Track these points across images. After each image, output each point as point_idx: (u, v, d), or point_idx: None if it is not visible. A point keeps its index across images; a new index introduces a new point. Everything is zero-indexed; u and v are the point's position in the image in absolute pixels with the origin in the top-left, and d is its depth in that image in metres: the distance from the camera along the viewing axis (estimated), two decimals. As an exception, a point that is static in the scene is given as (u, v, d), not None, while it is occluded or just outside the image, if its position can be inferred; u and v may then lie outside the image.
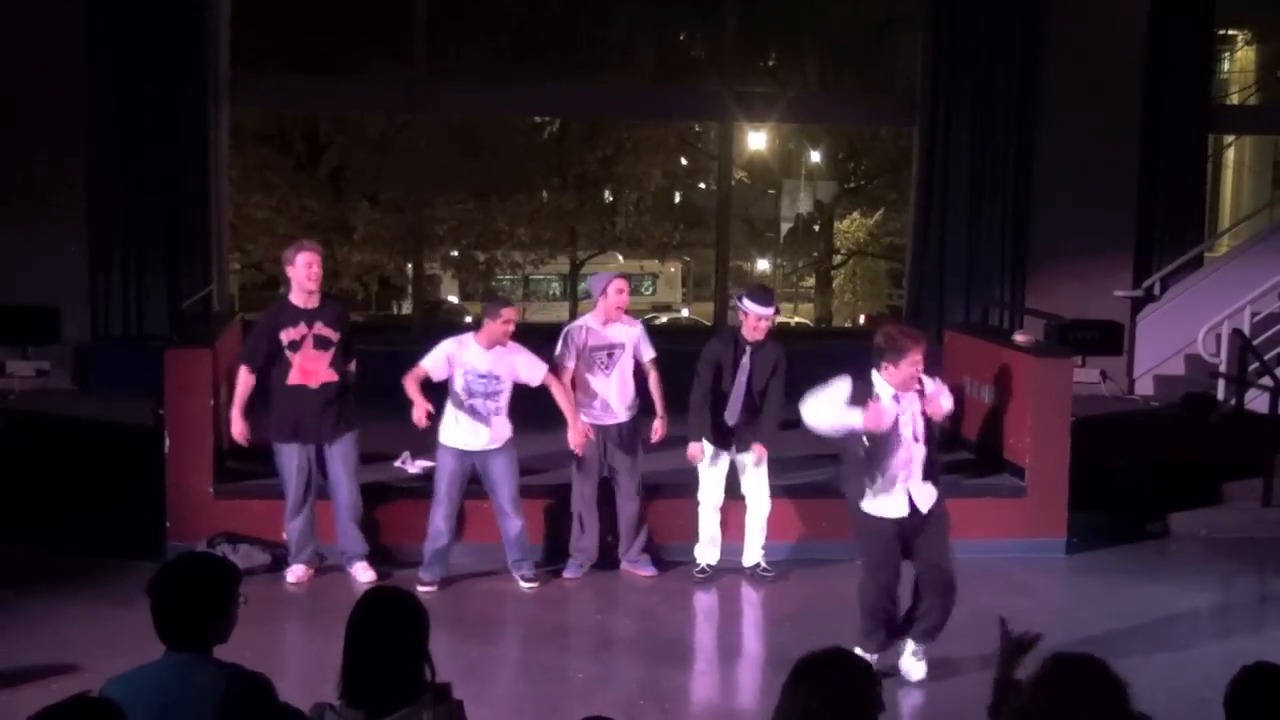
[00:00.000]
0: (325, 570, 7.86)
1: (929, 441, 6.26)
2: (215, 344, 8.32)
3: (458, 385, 7.53)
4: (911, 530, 6.25)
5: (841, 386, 6.23)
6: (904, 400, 6.20)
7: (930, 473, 6.27)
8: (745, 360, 7.76)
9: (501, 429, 7.62)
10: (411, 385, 7.46)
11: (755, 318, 7.69)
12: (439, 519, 7.64)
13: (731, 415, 7.79)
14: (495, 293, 27.26)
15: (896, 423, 6.16)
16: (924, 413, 6.21)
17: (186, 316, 11.37)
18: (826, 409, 6.22)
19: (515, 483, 7.69)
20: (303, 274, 7.51)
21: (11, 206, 11.47)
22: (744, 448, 7.89)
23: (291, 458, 7.58)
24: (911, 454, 6.20)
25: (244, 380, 7.52)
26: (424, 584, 7.51)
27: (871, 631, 6.31)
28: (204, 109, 11.86)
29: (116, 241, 11.79)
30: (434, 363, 7.52)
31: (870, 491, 6.22)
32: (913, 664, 6.43)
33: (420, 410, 7.41)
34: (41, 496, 8.46)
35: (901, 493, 6.21)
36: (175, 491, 7.91)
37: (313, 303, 7.56)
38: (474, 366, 7.50)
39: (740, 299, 7.89)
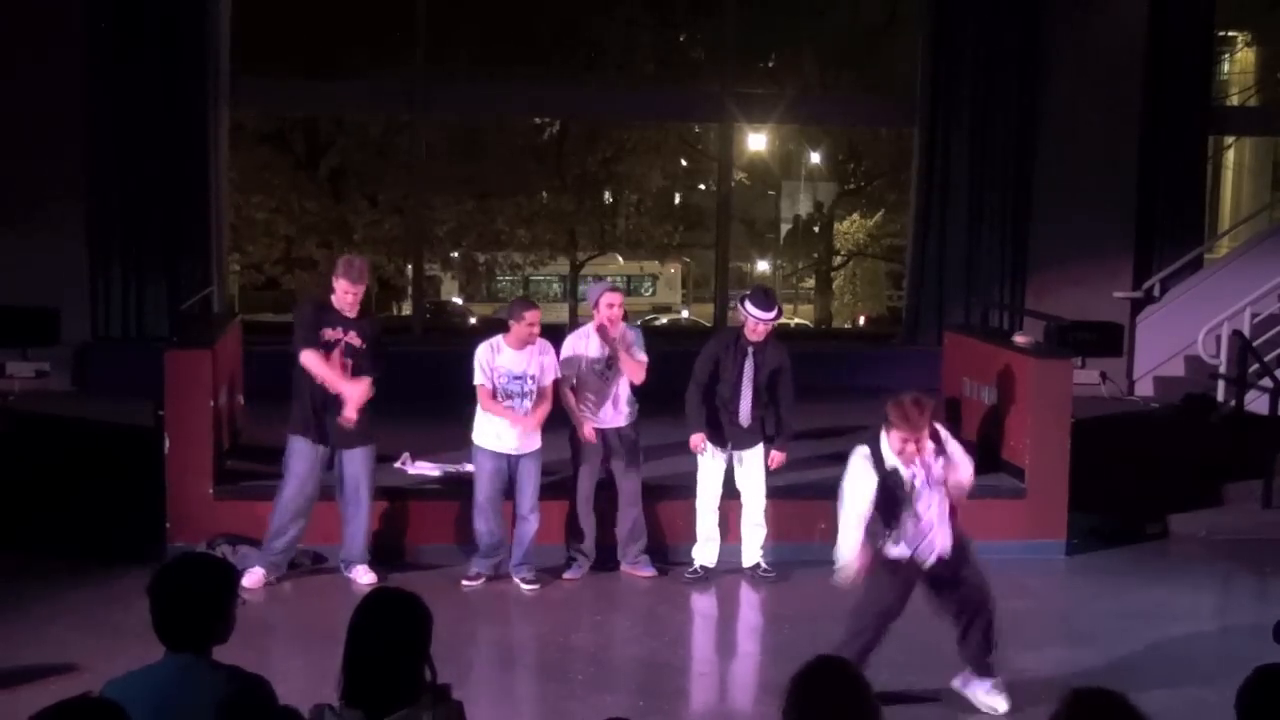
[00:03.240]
0: (324, 572, 7.86)
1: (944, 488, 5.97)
2: (215, 345, 8.32)
3: (495, 389, 7.59)
4: (938, 571, 5.99)
5: (860, 465, 5.92)
6: (914, 467, 5.87)
7: (944, 527, 5.99)
8: (748, 362, 7.77)
9: (535, 433, 7.70)
10: (493, 406, 7.57)
11: (754, 321, 7.72)
12: (481, 523, 7.69)
13: (745, 416, 7.80)
14: (497, 294, 27.31)
15: (912, 484, 5.87)
16: (945, 483, 5.93)
17: (186, 317, 11.36)
18: (846, 536, 5.93)
19: (538, 487, 7.75)
20: (337, 296, 7.52)
21: (11, 206, 11.46)
22: (742, 446, 7.89)
23: (304, 455, 7.53)
24: (930, 503, 5.90)
25: (314, 360, 7.41)
26: (469, 578, 7.63)
27: (850, 642, 5.92)
28: (204, 109, 11.85)
29: (116, 242, 11.78)
30: (482, 375, 7.60)
31: (894, 540, 5.94)
32: (995, 698, 6.06)
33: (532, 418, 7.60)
34: (41, 497, 8.45)
35: (916, 545, 5.93)
36: (175, 492, 7.90)
37: (352, 312, 7.57)
38: (509, 369, 7.59)
39: (742, 301, 7.91)
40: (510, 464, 7.71)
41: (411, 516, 8.09)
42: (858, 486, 5.92)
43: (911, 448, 5.81)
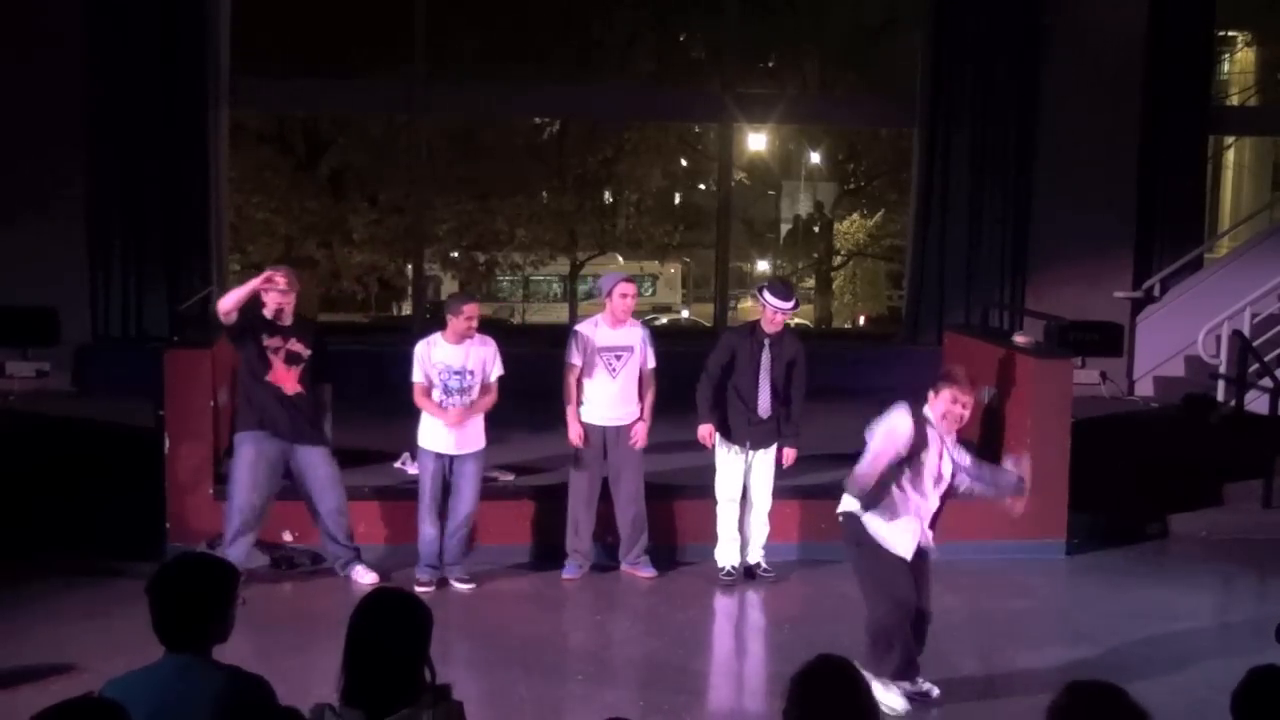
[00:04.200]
0: (324, 572, 7.86)
1: (947, 495, 6.08)
2: (214, 345, 8.32)
3: (434, 385, 7.57)
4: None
5: (904, 421, 5.93)
6: (946, 442, 5.98)
7: (934, 522, 6.07)
8: (765, 354, 7.77)
9: (476, 433, 7.67)
10: (427, 404, 7.57)
11: (772, 311, 7.73)
12: (427, 524, 7.67)
13: (764, 408, 7.80)
14: (497, 294, 27.31)
15: (933, 463, 5.95)
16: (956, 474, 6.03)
17: (186, 317, 11.37)
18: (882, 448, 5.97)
19: (478, 489, 7.72)
20: (272, 300, 7.56)
21: (11, 207, 11.46)
22: (759, 444, 7.88)
23: (249, 462, 7.46)
24: (929, 497, 5.99)
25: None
26: (420, 584, 7.53)
27: (886, 656, 5.96)
28: (204, 110, 11.85)
29: (116, 242, 11.79)
30: (417, 373, 7.61)
31: (883, 518, 5.97)
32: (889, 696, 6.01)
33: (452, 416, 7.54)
34: (41, 497, 8.45)
35: (912, 531, 5.97)
36: (175, 492, 7.91)
37: (284, 321, 7.57)
38: (448, 364, 7.56)
39: (761, 291, 7.93)
40: (448, 464, 7.66)
41: (409, 517, 8.08)
42: (897, 428, 5.90)
43: (958, 409, 5.89)
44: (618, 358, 7.85)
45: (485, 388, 7.66)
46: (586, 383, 7.85)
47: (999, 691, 6.48)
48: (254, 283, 7.53)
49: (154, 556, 6.89)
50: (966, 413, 5.97)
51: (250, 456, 7.49)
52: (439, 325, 7.80)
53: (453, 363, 7.57)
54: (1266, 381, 10.29)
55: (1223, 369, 11.34)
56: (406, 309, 24.47)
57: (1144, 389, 12.74)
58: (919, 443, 5.93)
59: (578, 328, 7.98)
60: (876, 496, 5.97)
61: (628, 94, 18.02)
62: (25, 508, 8.30)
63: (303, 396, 7.58)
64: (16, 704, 5.39)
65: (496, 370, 7.70)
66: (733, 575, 7.94)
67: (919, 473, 5.96)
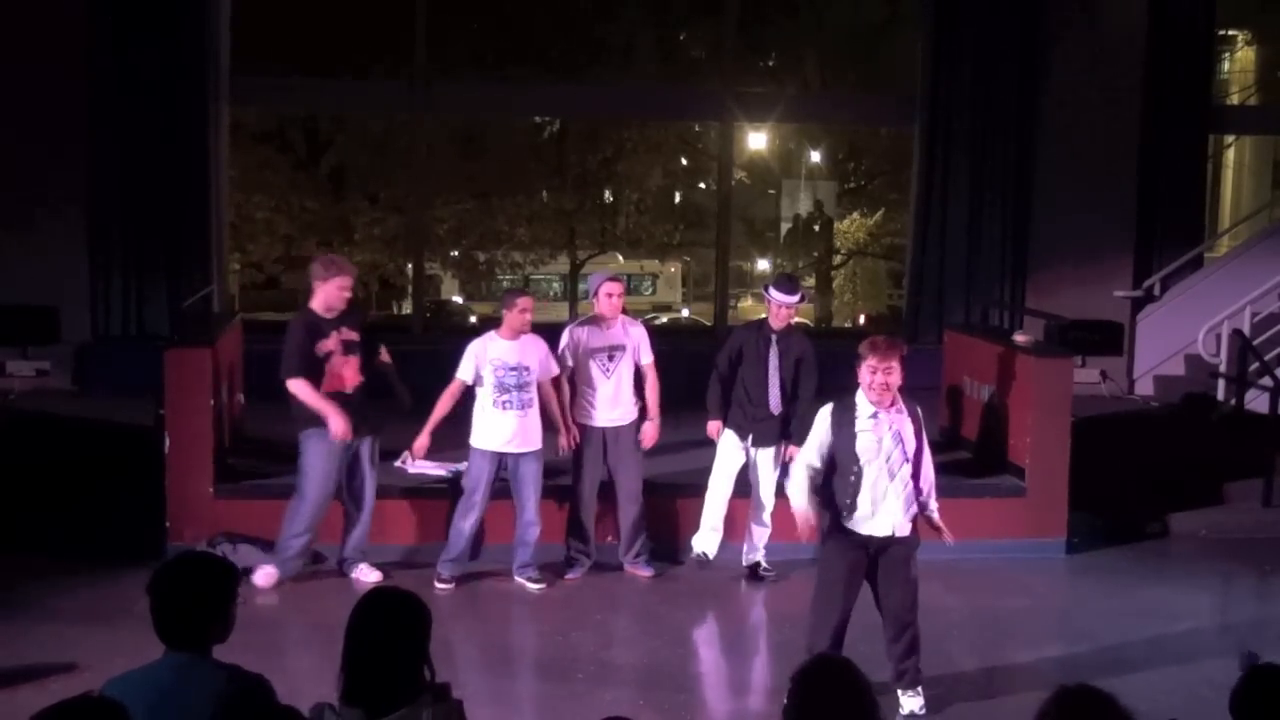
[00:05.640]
0: (324, 572, 7.85)
1: (914, 463, 5.95)
2: (215, 344, 8.32)
3: (489, 383, 7.56)
4: (876, 553, 5.96)
5: (822, 420, 6.01)
6: (884, 418, 5.90)
7: (908, 498, 5.95)
8: (773, 350, 7.79)
9: (535, 429, 7.66)
10: (443, 402, 7.57)
11: (777, 305, 7.75)
12: (464, 524, 7.65)
13: (774, 405, 7.81)
14: (498, 293, 27.29)
15: (876, 445, 5.90)
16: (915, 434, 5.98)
17: (186, 316, 11.37)
18: (796, 492, 6.09)
19: (540, 487, 7.72)
20: (335, 296, 7.48)
21: (11, 206, 11.47)
22: (762, 441, 7.89)
23: (325, 454, 7.41)
24: (888, 476, 5.89)
25: (305, 389, 7.32)
26: (442, 581, 7.58)
27: (817, 640, 6.02)
28: (204, 109, 11.85)
29: (116, 241, 11.78)
30: (465, 369, 7.59)
31: (842, 507, 5.95)
32: (907, 700, 6.06)
33: (423, 440, 7.61)
34: (41, 497, 8.45)
35: (871, 513, 5.91)
36: (175, 491, 7.90)
37: (333, 314, 7.53)
38: (503, 360, 7.56)
39: (766, 288, 7.95)
40: (509, 463, 7.66)
41: (411, 516, 8.10)
42: (811, 438, 6.05)
43: (881, 379, 5.84)
44: (610, 358, 7.85)
45: (544, 386, 7.66)
46: (582, 385, 7.85)
47: (999, 690, 6.49)
48: (322, 407, 7.34)
49: (154, 556, 6.88)
50: (891, 379, 5.85)
51: (325, 448, 7.41)
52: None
53: (509, 359, 7.56)
54: (1266, 380, 10.29)
55: (1223, 368, 11.35)
56: (407, 308, 24.45)
57: (1144, 388, 12.74)
58: (845, 431, 5.91)
59: (567, 330, 7.97)
60: (827, 493, 6.00)
61: (628, 93, 17.99)
62: (25, 508, 8.30)
63: (360, 387, 7.54)
64: (16, 704, 5.39)
65: (552, 369, 7.70)
66: (704, 561, 7.95)
67: (857, 452, 5.91)
